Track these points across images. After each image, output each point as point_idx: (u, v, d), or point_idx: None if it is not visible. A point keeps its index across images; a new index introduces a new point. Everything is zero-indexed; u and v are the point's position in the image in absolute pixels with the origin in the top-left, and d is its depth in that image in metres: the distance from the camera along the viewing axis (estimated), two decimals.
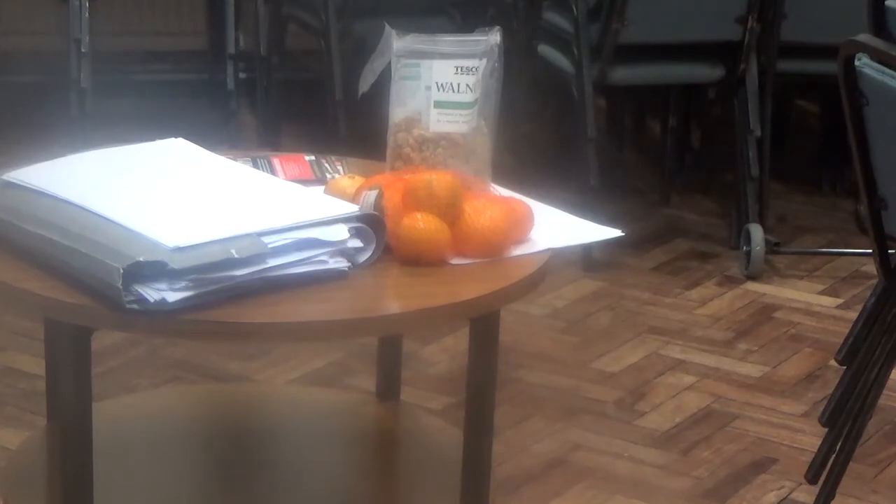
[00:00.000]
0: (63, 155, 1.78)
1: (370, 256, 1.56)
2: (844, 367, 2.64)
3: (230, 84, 4.89)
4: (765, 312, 4.09)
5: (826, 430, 2.63)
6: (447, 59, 1.84)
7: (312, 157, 2.11)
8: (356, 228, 1.55)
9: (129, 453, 1.91)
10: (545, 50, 4.67)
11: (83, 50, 4.54)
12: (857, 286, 4.26)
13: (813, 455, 2.66)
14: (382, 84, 1.92)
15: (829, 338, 3.67)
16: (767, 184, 4.53)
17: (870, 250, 2.33)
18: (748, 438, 3.24)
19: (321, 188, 1.86)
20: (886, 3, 2.15)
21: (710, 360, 3.72)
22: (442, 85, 1.83)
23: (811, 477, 2.60)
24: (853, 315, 2.86)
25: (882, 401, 2.87)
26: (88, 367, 1.48)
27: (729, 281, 4.38)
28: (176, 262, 1.28)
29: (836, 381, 2.70)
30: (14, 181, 1.63)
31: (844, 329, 2.73)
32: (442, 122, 1.83)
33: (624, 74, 4.42)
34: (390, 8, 4.15)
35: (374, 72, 1.87)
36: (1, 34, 5.19)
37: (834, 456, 2.55)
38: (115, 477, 1.74)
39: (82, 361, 1.47)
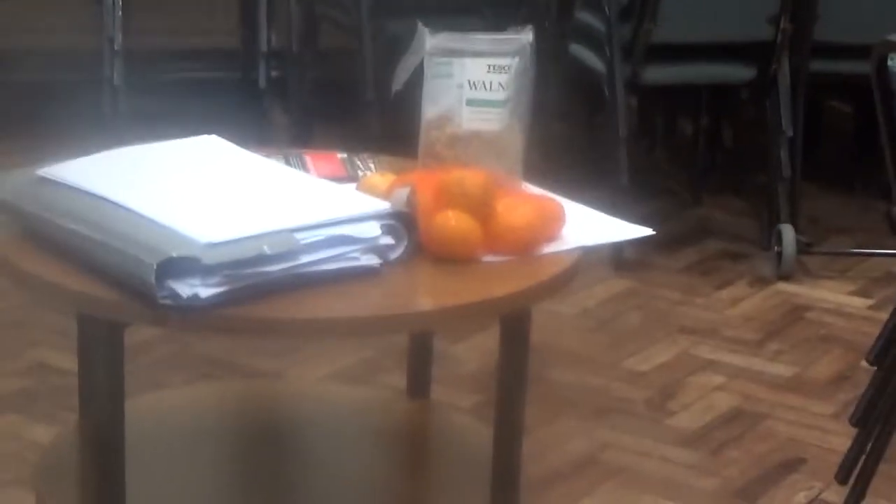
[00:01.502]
0: (96, 152, 1.78)
1: (402, 253, 1.55)
2: (875, 368, 2.59)
3: (262, 82, 4.94)
4: (796, 313, 4.02)
5: (856, 430, 2.59)
6: (479, 58, 1.84)
7: (344, 155, 2.11)
8: (388, 225, 1.55)
9: (160, 449, 1.92)
10: (577, 49, 4.64)
11: (116, 48, 4.62)
12: (888, 287, 4.17)
13: (843, 456, 2.63)
14: (415, 82, 1.91)
15: (860, 338, 3.60)
16: (799, 184, 4.46)
17: None
18: (778, 439, 3.21)
19: (353, 185, 1.85)
20: None
21: (740, 361, 3.68)
22: (474, 83, 1.82)
23: (842, 478, 2.57)
24: (884, 316, 2.81)
25: None
26: (121, 362, 1.50)
27: (760, 281, 4.32)
28: (209, 258, 1.29)
29: (867, 381, 2.65)
30: (49, 177, 1.65)
31: (876, 330, 2.68)
32: (474, 120, 1.83)
33: (656, 74, 4.38)
34: (423, 6, 4.15)
35: (406, 70, 1.87)
36: (35, 32, 5.28)
37: (864, 457, 2.52)
38: (147, 473, 1.76)
39: (115, 357, 1.48)
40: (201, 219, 1.52)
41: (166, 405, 2.38)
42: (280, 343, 3.23)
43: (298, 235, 1.49)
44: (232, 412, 2.28)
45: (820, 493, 2.82)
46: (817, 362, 3.57)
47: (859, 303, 4.08)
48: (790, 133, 4.11)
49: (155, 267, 1.28)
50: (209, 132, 2.03)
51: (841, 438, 3.00)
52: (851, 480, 2.51)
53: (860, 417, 2.59)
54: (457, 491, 2.01)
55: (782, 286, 4.11)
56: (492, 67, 1.86)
